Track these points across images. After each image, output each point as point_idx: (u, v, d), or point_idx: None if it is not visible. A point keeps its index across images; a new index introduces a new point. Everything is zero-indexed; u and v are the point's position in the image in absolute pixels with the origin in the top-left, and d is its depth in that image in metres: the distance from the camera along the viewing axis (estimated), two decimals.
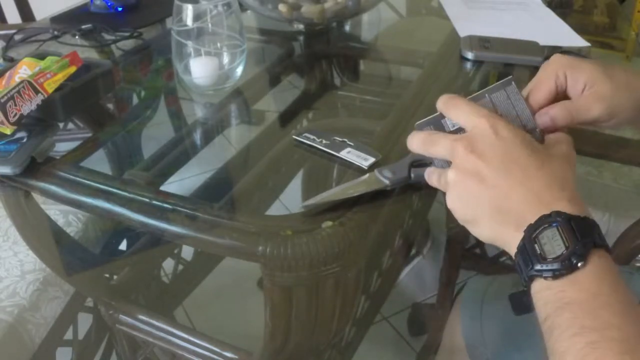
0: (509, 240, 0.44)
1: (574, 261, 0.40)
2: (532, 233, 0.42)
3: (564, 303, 0.39)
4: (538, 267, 0.41)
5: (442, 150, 0.49)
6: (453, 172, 0.47)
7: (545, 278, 0.41)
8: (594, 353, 0.36)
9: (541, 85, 0.53)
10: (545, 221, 0.42)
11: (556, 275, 0.40)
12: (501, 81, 0.50)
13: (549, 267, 0.40)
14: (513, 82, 0.49)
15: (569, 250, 0.40)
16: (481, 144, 0.46)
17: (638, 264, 0.91)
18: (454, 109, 0.50)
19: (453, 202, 0.48)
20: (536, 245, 0.41)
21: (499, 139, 0.45)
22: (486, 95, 0.50)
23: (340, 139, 0.69)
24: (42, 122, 0.71)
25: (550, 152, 0.47)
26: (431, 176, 0.52)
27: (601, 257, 0.40)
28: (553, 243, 0.41)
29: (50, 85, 0.70)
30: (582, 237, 0.40)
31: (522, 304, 0.44)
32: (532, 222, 0.42)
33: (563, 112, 0.51)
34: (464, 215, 0.47)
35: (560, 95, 0.54)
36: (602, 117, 0.52)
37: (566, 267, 0.40)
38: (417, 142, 0.52)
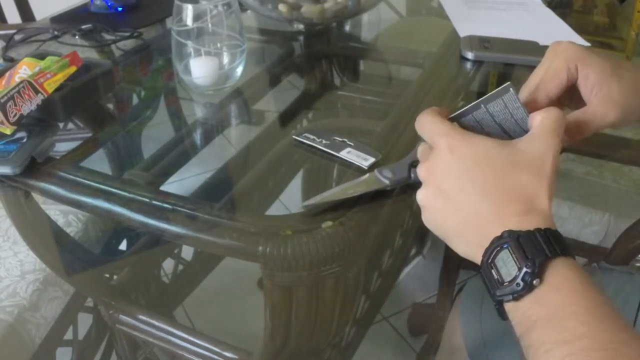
0: (479, 260, 0.44)
1: (529, 280, 0.39)
2: (488, 258, 0.42)
3: (532, 322, 0.39)
4: (498, 292, 0.41)
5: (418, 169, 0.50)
6: (421, 193, 0.47)
7: (508, 301, 0.40)
8: None
9: (553, 77, 0.52)
10: (497, 244, 0.41)
11: (516, 297, 0.40)
12: (498, 89, 0.48)
13: (507, 290, 0.40)
14: (511, 89, 0.47)
15: (521, 270, 0.39)
16: (440, 165, 0.46)
17: (638, 264, 0.91)
18: (420, 128, 0.49)
19: (426, 221, 0.48)
20: (493, 271, 0.41)
21: (455, 158, 0.45)
22: (482, 105, 0.48)
23: (340, 139, 0.69)
24: (42, 122, 0.71)
25: (518, 157, 0.44)
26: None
27: (560, 267, 0.39)
28: (508, 265, 0.40)
29: (50, 85, 0.70)
30: (532, 255, 0.39)
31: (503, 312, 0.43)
32: (487, 246, 0.42)
33: (575, 128, 0.50)
34: (437, 232, 0.48)
35: (569, 87, 0.52)
36: (615, 123, 0.52)
37: (523, 287, 0.39)
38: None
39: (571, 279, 0.39)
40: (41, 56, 0.77)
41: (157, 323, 0.85)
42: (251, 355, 0.78)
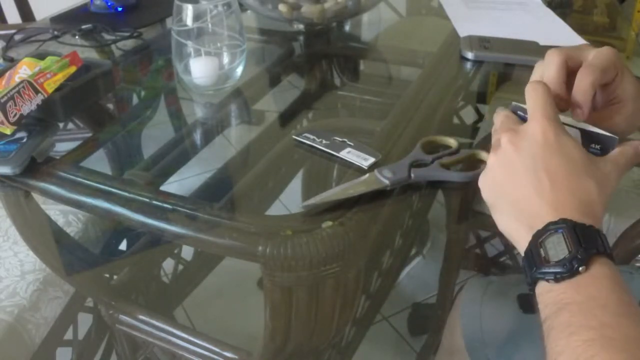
0: (520, 240, 0.46)
1: (576, 265, 0.41)
2: (538, 238, 0.44)
3: (563, 304, 0.41)
4: (542, 269, 0.43)
5: (497, 125, 0.52)
6: (493, 156, 0.50)
7: (548, 280, 0.42)
8: (589, 350, 0.37)
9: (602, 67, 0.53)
10: (551, 227, 0.43)
11: (558, 278, 0.42)
12: (606, 134, 0.51)
13: (552, 270, 0.42)
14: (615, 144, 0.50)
15: (571, 254, 0.41)
16: (525, 142, 0.48)
17: (638, 264, 0.91)
18: (530, 93, 0.50)
19: (483, 183, 0.51)
20: (541, 250, 0.43)
21: (542, 142, 0.47)
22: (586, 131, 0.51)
23: (340, 139, 0.69)
24: (42, 122, 0.71)
25: (592, 167, 0.47)
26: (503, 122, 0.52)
27: (603, 264, 0.42)
28: (557, 248, 0.42)
29: (50, 85, 0.70)
30: (585, 244, 0.42)
31: (529, 303, 0.45)
32: (541, 228, 0.44)
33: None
34: (488, 198, 0.50)
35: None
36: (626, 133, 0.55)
37: (568, 270, 0.41)
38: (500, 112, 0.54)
39: (610, 277, 0.41)
40: (41, 56, 0.77)
41: (157, 323, 0.85)
42: (251, 355, 0.78)
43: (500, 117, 0.53)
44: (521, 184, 0.47)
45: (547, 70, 0.54)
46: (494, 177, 0.50)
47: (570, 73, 0.55)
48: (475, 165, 0.63)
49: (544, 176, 0.46)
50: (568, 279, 0.41)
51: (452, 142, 0.66)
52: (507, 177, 0.48)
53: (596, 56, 0.55)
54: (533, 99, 0.50)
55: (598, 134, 0.51)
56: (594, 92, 0.52)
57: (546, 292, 0.42)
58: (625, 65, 0.55)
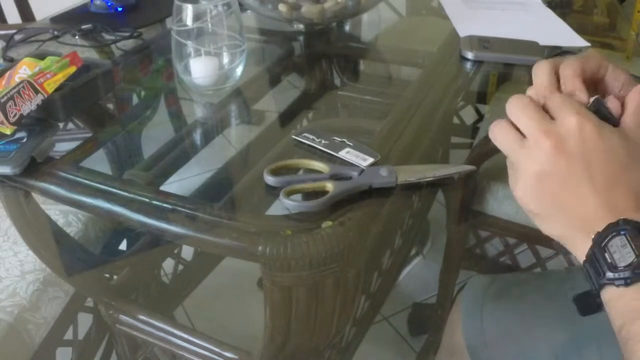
0: (578, 245, 0.44)
1: None
2: (601, 241, 0.42)
3: (637, 312, 0.39)
4: (610, 275, 0.41)
5: (526, 129, 0.47)
6: (533, 165, 0.46)
7: (618, 286, 0.41)
8: None
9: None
10: (613, 229, 0.42)
11: (628, 283, 0.40)
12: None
13: (621, 275, 0.40)
14: None
15: (639, 257, 0.40)
16: (568, 144, 0.44)
17: None
18: (553, 96, 0.47)
19: (525, 193, 0.47)
20: (606, 254, 0.42)
21: (587, 140, 0.44)
22: None
23: (340, 139, 0.69)
24: (42, 122, 0.71)
25: (636, 147, 0.45)
26: (504, 135, 0.48)
27: None
28: (623, 251, 0.41)
29: (50, 85, 0.70)
30: None
31: (588, 304, 0.44)
32: (600, 230, 0.42)
33: None
34: (535, 209, 0.47)
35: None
36: None
37: (638, 275, 0.40)
38: (519, 101, 0.48)
39: None
40: (41, 56, 0.77)
41: (157, 323, 0.85)
42: (251, 355, 0.78)
43: (522, 111, 0.48)
44: (573, 189, 0.44)
45: (537, 78, 0.52)
46: (539, 187, 0.46)
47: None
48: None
49: (596, 177, 0.44)
50: (639, 283, 0.40)
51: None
52: (556, 185, 0.45)
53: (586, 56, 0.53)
54: (557, 98, 0.47)
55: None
56: (579, 79, 0.49)
57: (616, 299, 0.41)
58: (613, 63, 0.52)
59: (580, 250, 0.44)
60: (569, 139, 0.45)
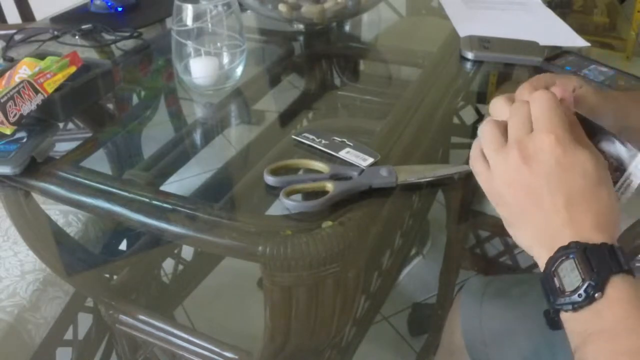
0: (542, 260, 0.44)
1: (591, 292, 0.40)
2: (552, 266, 0.42)
3: (587, 334, 0.39)
4: (559, 300, 0.41)
5: (509, 134, 0.48)
6: (503, 169, 0.47)
7: (566, 311, 0.41)
8: None
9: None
10: (562, 253, 0.42)
11: (576, 307, 0.40)
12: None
13: (568, 300, 0.41)
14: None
15: (584, 282, 0.40)
16: (536, 159, 0.45)
17: (638, 264, 0.91)
18: (537, 102, 0.47)
19: (495, 195, 0.48)
20: (556, 279, 0.42)
21: (554, 159, 0.45)
22: (615, 140, 0.49)
23: (340, 139, 0.69)
24: (42, 122, 0.71)
25: (605, 172, 0.46)
26: (476, 162, 0.50)
27: (620, 284, 0.40)
28: (571, 275, 0.41)
29: (50, 85, 0.70)
30: (598, 267, 0.40)
31: (554, 321, 0.43)
32: (552, 254, 0.43)
33: None
34: (504, 213, 0.48)
35: None
36: None
37: (584, 299, 0.40)
38: (502, 102, 0.50)
39: (631, 295, 0.40)
40: (41, 56, 0.77)
41: (157, 323, 0.85)
42: (251, 355, 0.78)
43: (497, 105, 0.50)
44: (536, 202, 0.45)
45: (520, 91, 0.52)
46: (509, 192, 0.46)
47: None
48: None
49: (558, 195, 0.44)
50: (586, 307, 0.40)
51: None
52: (522, 194, 0.45)
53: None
54: (539, 110, 0.47)
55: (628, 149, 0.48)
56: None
57: (569, 321, 0.41)
58: (589, 86, 0.54)
59: (541, 262, 0.44)
60: (537, 153, 0.45)
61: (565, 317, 0.41)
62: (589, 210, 0.43)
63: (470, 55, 0.90)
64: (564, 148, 0.45)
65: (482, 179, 0.49)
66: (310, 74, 1.06)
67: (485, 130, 0.49)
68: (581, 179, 0.44)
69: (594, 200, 0.44)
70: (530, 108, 0.47)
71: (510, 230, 0.48)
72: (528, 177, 0.45)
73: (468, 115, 1.47)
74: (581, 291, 0.40)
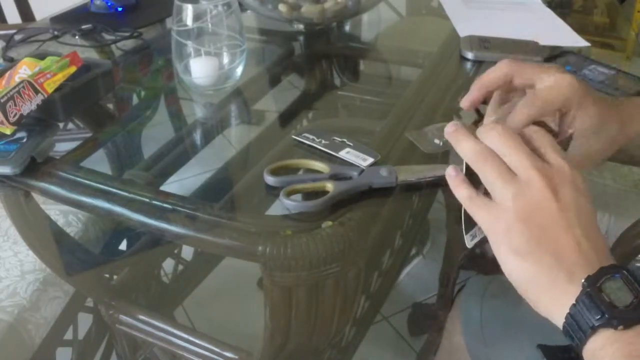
0: (558, 288, 0.43)
1: None
2: (596, 282, 0.41)
3: (633, 356, 0.38)
4: (608, 315, 0.40)
5: (516, 164, 0.45)
6: (524, 201, 0.44)
7: (616, 328, 0.39)
8: None
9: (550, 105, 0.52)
10: (606, 271, 0.41)
11: (628, 324, 0.39)
12: None
13: (622, 316, 0.39)
14: None
15: (638, 299, 0.40)
16: (564, 190, 0.44)
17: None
18: (536, 135, 0.47)
19: (511, 228, 0.44)
20: (603, 294, 0.40)
21: (578, 190, 0.45)
22: None
23: (340, 139, 0.69)
24: (42, 122, 0.71)
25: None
26: (493, 166, 0.47)
27: None
28: (618, 293, 0.40)
29: (50, 85, 0.70)
30: None
31: (554, 355, 0.43)
32: (591, 273, 0.41)
33: None
34: (520, 245, 0.44)
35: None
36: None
37: (637, 317, 0.39)
38: (472, 146, 0.48)
39: None
40: (41, 56, 0.77)
41: (157, 323, 0.85)
42: (251, 355, 0.78)
43: (513, 145, 0.46)
44: (563, 232, 0.43)
45: (486, 74, 0.52)
46: (529, 225, 0.44)
47: (512, 90, 0.55)
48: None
49: (582, 225, 0.43)
50: (637, 324, 0.39)
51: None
52: (546, 224, 0.44)
53: (548, 89, 0.52)
54: (547, 141, 0.46)
55: None
56: (527, 124, 0.50)
57: (610, 344, 0.39)
58: (589, 97, 0.53)
59: (559, 294, 0.43)
60: (564, 185, 0.44)
61: (605, 340, 0.40)
62: (602, 241, 0.44)
63: (470, 55, 0.90)
64: (583, 180, 0.45)
65: (489, 218, 0.46)
66: (310, 74, 1.06)
67: (487, 165, 0.46)
68: (592, 210, 0.45)
69: (599, 233, 0.44)
70: (534, 139, 0.47)
71: (521, 260, 0.44)
72: (556, 208, 0.44)
73: (468, 115, 1.47)
74: (636, 307, 0.39)
